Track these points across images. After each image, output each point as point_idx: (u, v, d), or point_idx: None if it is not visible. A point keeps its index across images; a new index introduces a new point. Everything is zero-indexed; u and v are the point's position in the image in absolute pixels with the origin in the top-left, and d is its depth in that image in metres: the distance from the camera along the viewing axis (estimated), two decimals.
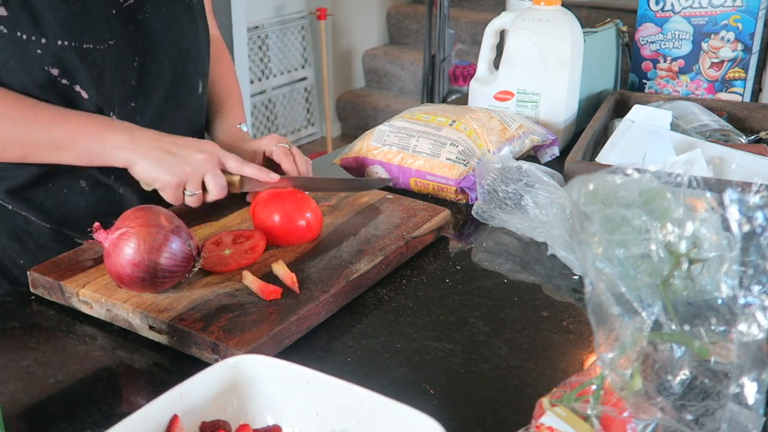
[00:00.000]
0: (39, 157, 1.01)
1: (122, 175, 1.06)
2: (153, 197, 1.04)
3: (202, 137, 1.24)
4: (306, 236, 0.99)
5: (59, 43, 0.98)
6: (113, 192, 1.10)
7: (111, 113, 1.06)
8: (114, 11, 1.03)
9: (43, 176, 1.06)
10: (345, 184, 1.16)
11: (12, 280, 1.11)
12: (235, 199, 1.12)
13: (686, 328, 0.60)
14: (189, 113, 1.17)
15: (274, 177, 1.04)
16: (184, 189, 1.01)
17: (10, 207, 1.08)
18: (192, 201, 1.02)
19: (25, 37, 0.97)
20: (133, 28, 1.05)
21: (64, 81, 1.00)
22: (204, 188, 1.02)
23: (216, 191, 1.02)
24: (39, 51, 0.97)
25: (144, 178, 1.01)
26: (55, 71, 0.99)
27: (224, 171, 1.03)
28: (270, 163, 1.14)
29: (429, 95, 3.88)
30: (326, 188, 1.13)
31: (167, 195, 1.01)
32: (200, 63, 1.18)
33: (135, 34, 1.05)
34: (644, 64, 1.63)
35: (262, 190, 1.05)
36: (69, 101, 1.02)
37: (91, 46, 1.01)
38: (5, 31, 0.96)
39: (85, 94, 1.02)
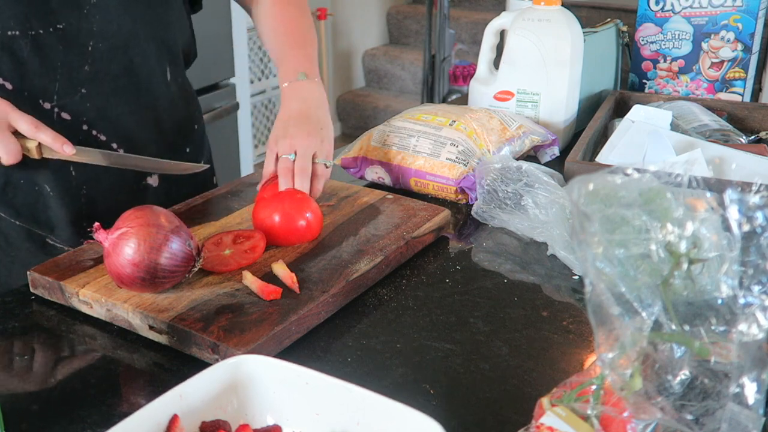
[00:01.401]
0: None
1: (86, 175, 1.06)
2: (125, 196, 1.03)
3: (189, 127, 1.21)
4: (306, 236, 0.99)
5: None
6: (78, 194, 1.08)
7: (49, 102, 1.02)
8: None
9: (12, 173, 1.04)
10: (153, 165, 1.09)
11: None
12: (236, 199, 1.12)
13: (686, 328, 0.60)
14: (155, 101, 1.13)
15: (68, 150, 0.98)
16: None
17: None
18: None
19: None
20: (87, 11, 1.02)
21: None
22: None
23: (5, 156, 0.96)
24: None
25: None
26: None
27: (19, 134, 0.98)
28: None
29: (429, 95, 3.88)
30: (136, 166, 1.07)
31: None
32: (168, 48, 1.14)
33: (89, 17, 1.02)
34: (644, 64, 1.63)
35: (60, 159, 1.01)
36: None
37: (17, 32, 0.97)
38: None
39: (9, 86, 1.00)
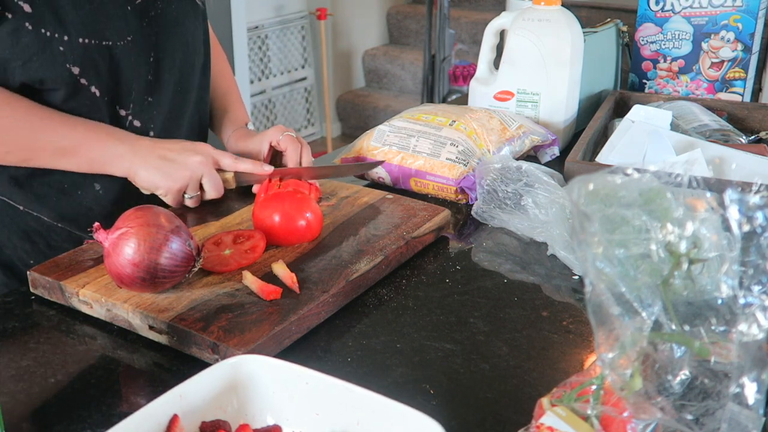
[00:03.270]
0: (41, 161, 1.02)
1: None
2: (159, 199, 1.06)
3: (204, 130, 1.25)
4: (306, 236, 0.99)
5: (80, 40, 0.99)
6: (128, 192, 1.10)
7: (125, 110, 1.07)
8: (129, 7, 1.05)
9: (58, 175, 1.07)
10: (339, 170, 1.18)
11: (22, 280, 1.11)
12: (236, 199, 1.13)
13: (686, 328, 0.60)
14: (192, 106, 1.19)
15: (268, 169, 1.08)
16: (184, 192, 1.04)
17: (21, 208, 1.09)
18: (191, 202, 1.06)
19: (48, 34, 0.98)
20: (146, 23, 1.07)
21: (83, 81, 1.02)
22: (201, 188, 1.06)
23: (213, 191, 1.06)
24: (61, 48, 0.99)
25: (146, 186, 1.05)
26: (75, 69, 1.01)
27: (219, 169, 1.07)
28: (276, 154, 1.17)
29: (429, 95, 3.88)
30: (320, 175, 1.14)
31: (168, 200, 1.05)
32: (200, 57, 1.19)
33: (149, 29, 1.07)
34: (644, 64, 1.63)
35: (255, 182, 1.10)
36: (84, 100, 1.03)
37: (111, 42, 1.02)
38: (30, 28, 0.97)
39: (98, 93, 1.04)
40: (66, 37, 0.98)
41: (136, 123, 1.09)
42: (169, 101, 1.13)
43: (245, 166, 1.07)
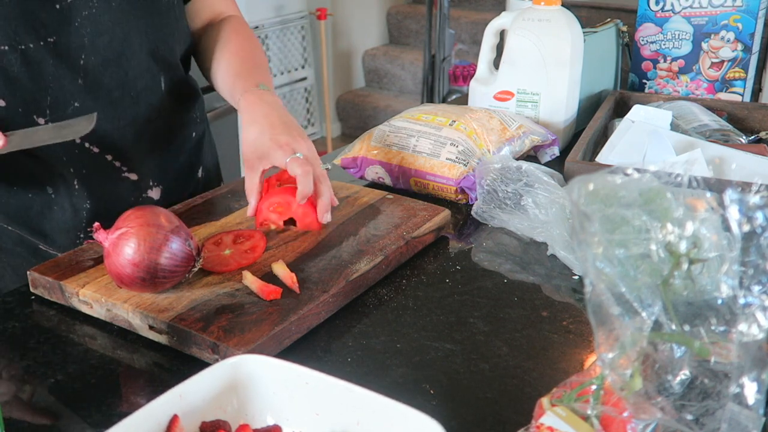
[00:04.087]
0: None
1: (90, 189, 1.05)
2: (126, 208, 1.01)
3: (186, 135, 1.20)
4: (317, 222, 1.00)
5: None
6: (80, 205, 1.08)
7: (40, 117, 0.99)
8: (57, 6, 0.97)
9: (9, 179, 1.04)
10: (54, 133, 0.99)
11: None
12: (236, 199, 1.12)
13: (686, 328, 0.60)
14: (150, 113, 1.10)
15: None
16: None
17: None
18: None
19: None
20: (78, 24, 0.99)
21: None
22: None
23: None
24: None
25: None
26: None
27: None
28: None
29: (429, 95, 3.88)
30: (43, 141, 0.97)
31: None
32: (163, 58, 1.11)
33: (81, 30, 0.99)
34: (644, 64, 1.63)
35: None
36: None
37: (22, 46, 0.95)
38: None
39: (2, 102, 0.98)
40: None
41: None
42: (113, 106, 1.04)
43: None
